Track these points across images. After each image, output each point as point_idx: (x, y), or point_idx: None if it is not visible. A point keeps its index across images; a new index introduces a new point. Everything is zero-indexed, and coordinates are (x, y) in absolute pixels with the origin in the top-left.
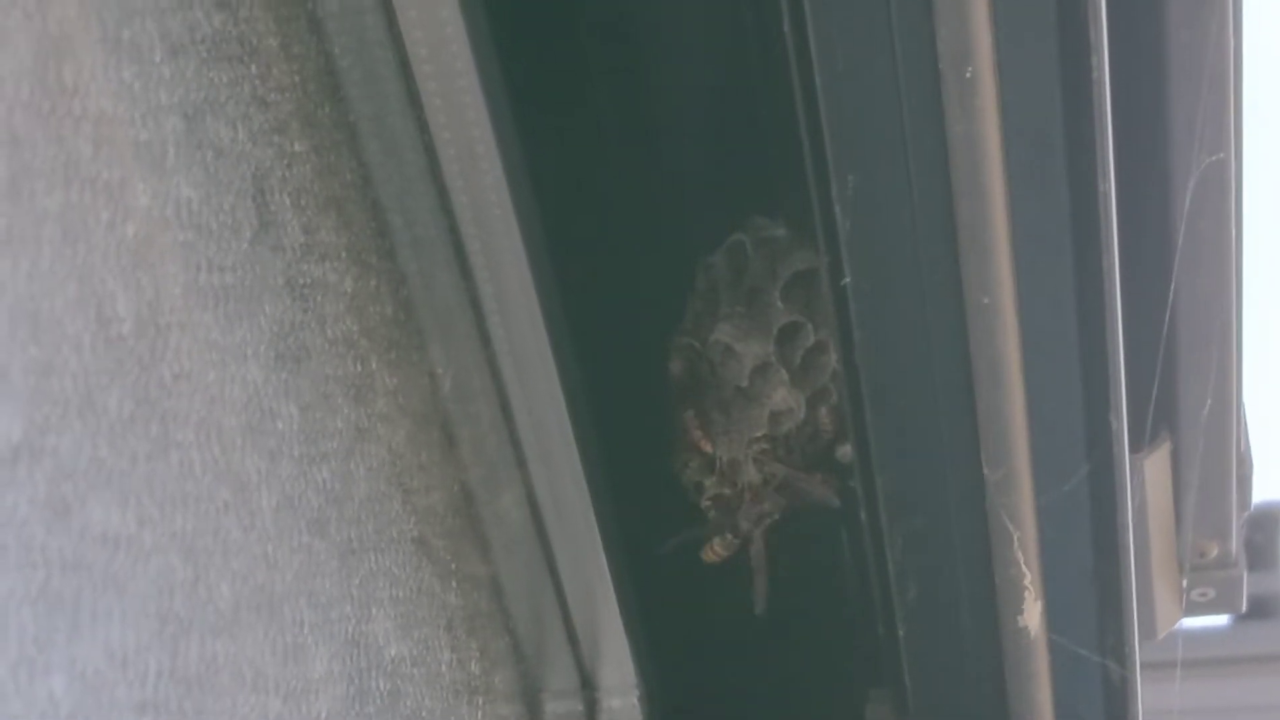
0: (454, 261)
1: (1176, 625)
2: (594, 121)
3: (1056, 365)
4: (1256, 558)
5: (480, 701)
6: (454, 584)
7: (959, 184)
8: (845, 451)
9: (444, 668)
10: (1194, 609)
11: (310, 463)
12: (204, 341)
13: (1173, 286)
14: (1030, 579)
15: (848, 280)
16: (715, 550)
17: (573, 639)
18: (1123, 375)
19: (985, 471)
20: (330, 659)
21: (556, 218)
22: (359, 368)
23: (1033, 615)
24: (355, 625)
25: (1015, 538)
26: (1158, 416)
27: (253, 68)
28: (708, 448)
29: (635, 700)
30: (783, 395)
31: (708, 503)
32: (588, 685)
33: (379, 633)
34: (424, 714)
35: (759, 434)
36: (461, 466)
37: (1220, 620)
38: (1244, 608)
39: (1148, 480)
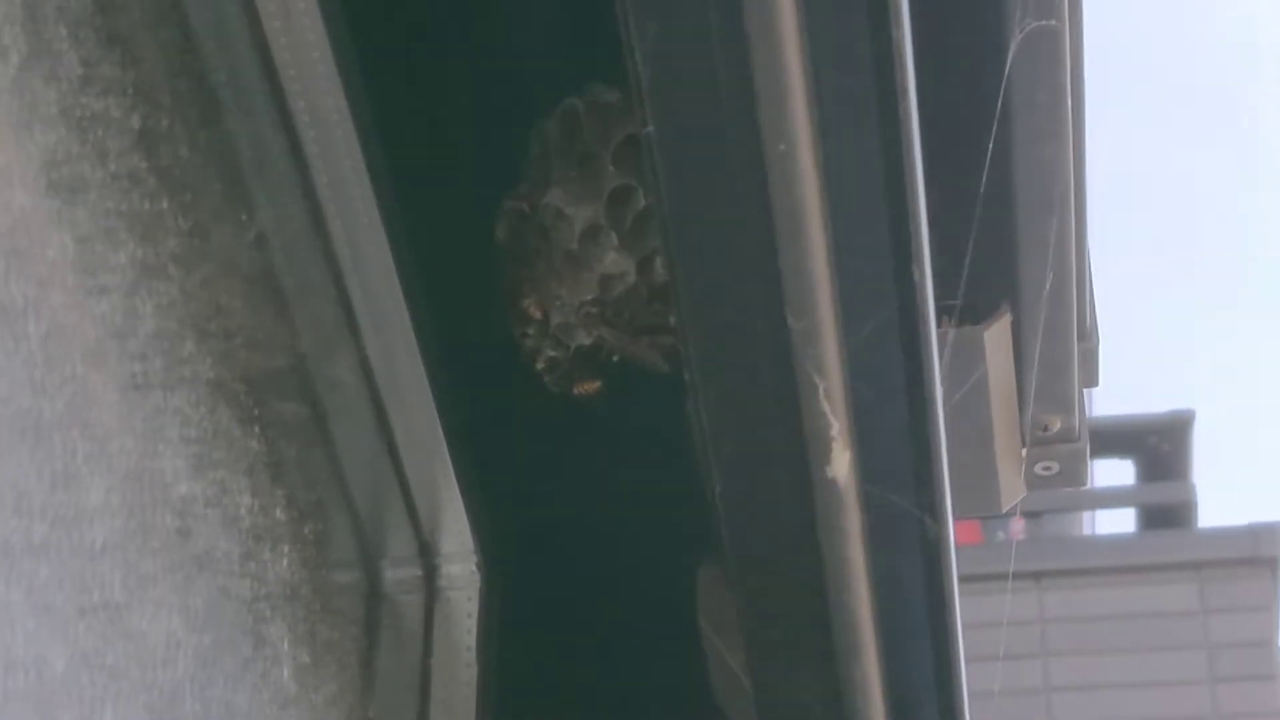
0: (273, 112)
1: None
2: None
3: (859, 215)
4: (1166, 467)
5: (286, 549)
6: (257, 430)
7: (752, 29)
8: None
9: (243, 511)
10: (1037, 483)
11: (87, 294)
12: None
13: (989, 149)
14: (838, 429)
15: (650, 129)
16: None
17: (411, 507)
18: (924, 226)
19: (789, 321)
20: (108, 490)
21: (385, 78)
22: (147, 206)
23: (841, 466)
24: (138, 460)
25: (821, 388)
26: (998, 289)
27: None
28: (536, 314)
29: (474, 567)
30: (613, 259)
31: (542, 366)
32: (426, 552)
33: (166, 470)
34: (219, 555)
35: (589, 297)
36: (290, 327)
37: (1129, 528)
38: (1087, 482)
39: (988, 352)
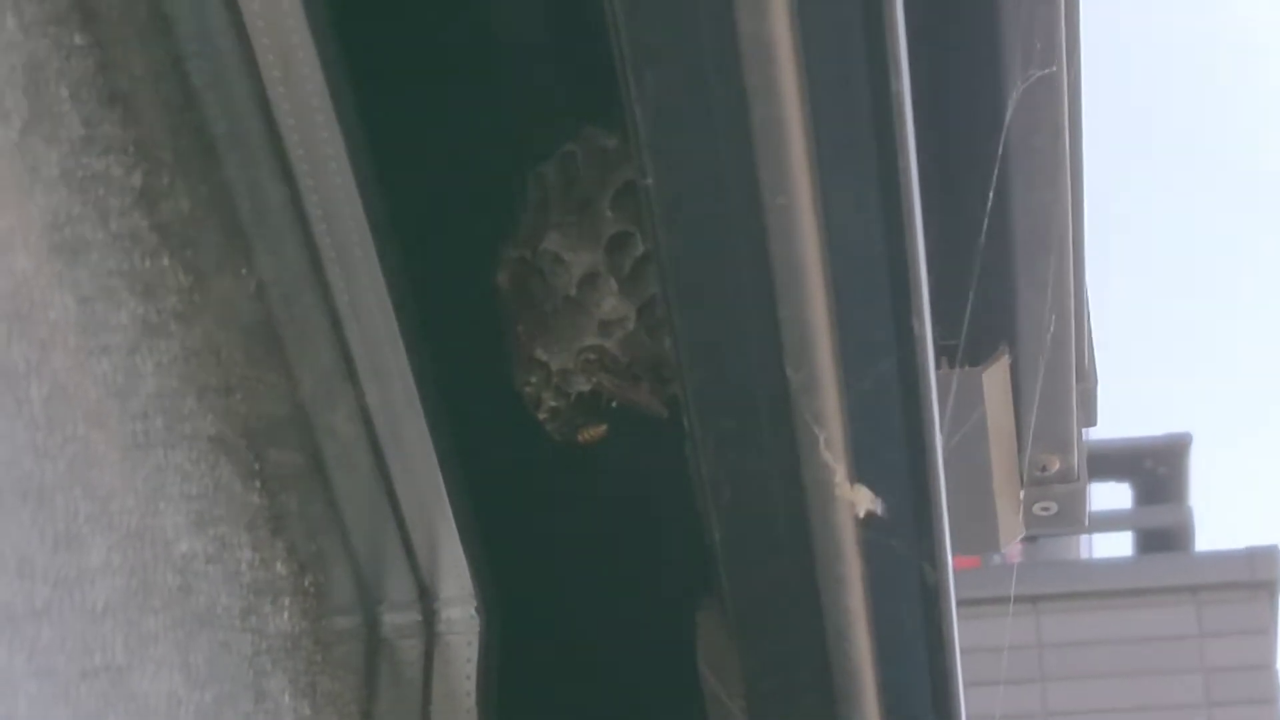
0: (274, 164)
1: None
2: (426, 28)
3: (859, 268)
4: (1164, 491)
5: (287, 602)
6: (257, 484)
7: (751, 83)
8: None
9: (244, 566)
10: (1036, 523)
11: (88, 355)
12: None
13: (990, 196)
14: (840, 478)
15: (649, 181)
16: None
17: (410, 552)
18: (924, 277)
19: (788, 372)
20: (109, 550)
21: (384, 126)
22: (148, 264)
23: (840, 514)
24: (139, 519)
25: (821, 438)
26: (997, 330)
27: None
28: (537, 359)
29: (473, 611)
30: (612, 304)
31: (544, 415)
32: (426, 596)
33: (167, 527)
34: (220, 610)
35: (588, 343)
36: (290, 378)
37: (1126, 551)
38: (1086, 522)
39: (986, 393)
